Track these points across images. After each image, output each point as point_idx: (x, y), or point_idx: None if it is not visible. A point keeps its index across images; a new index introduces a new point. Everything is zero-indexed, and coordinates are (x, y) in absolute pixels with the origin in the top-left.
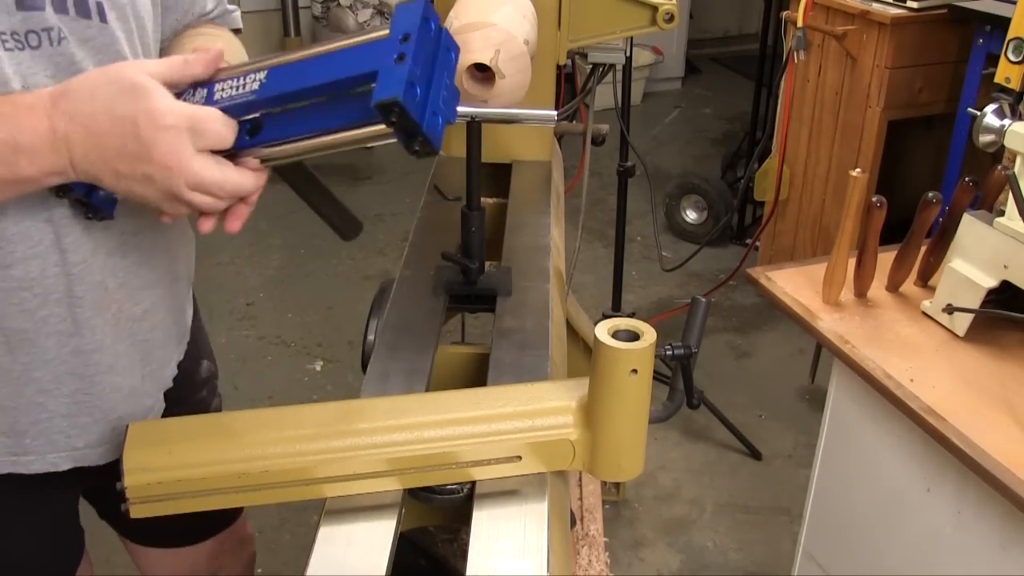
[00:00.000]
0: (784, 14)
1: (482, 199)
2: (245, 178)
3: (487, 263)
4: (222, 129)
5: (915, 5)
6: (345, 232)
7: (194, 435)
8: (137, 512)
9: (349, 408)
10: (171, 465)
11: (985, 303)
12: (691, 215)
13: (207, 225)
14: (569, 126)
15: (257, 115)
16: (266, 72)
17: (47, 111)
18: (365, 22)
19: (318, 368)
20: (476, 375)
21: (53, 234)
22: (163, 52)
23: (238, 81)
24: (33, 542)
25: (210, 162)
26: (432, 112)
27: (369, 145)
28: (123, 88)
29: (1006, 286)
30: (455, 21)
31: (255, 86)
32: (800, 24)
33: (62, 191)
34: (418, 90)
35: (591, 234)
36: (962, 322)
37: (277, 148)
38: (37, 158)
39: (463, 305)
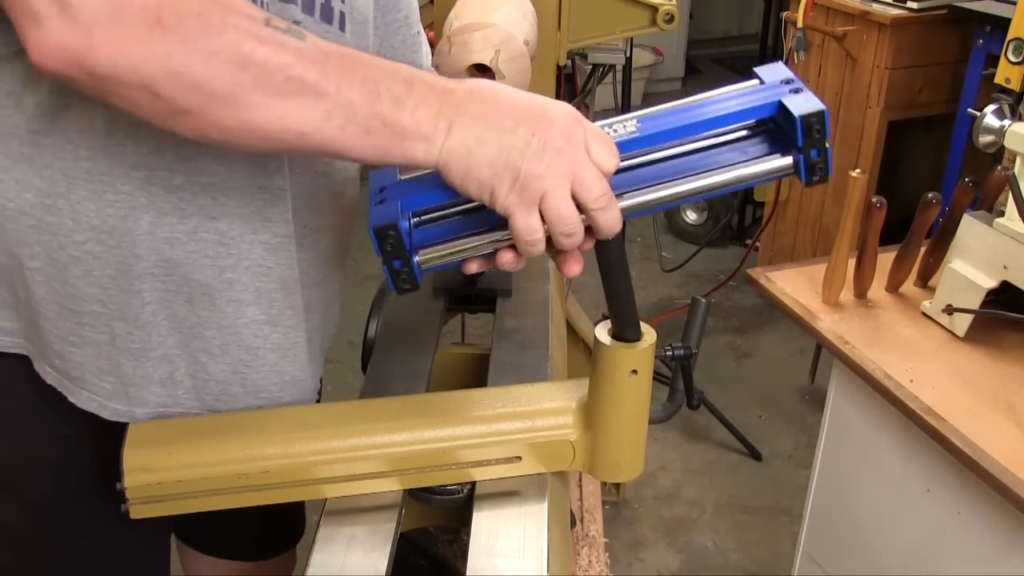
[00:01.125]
0: (784, 15)
1: None
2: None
3: None
4: (610, 153)
5: (915, 5)
6: (625, 339)
7: (194, 435)
8: (137, 513)
9: (349, 408)
10: (171, 465)
11: (985, 303)
12: (691, 216)
13: (568, 263)
14: None
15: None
16: (636, 120)
17: (453, 83)
18: None
19: None
20: (476, 375)
21: (262, 200)
22: None
23: (609, 127)
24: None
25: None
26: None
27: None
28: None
29: (1006, 287)
30: (455, 21)
31: (632, 128)
32: (800, 25)
33: (390, 247)
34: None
35: None
36: (962, 323)
37: (648, 192)
38: (420, 109)
39: (463, 305)
